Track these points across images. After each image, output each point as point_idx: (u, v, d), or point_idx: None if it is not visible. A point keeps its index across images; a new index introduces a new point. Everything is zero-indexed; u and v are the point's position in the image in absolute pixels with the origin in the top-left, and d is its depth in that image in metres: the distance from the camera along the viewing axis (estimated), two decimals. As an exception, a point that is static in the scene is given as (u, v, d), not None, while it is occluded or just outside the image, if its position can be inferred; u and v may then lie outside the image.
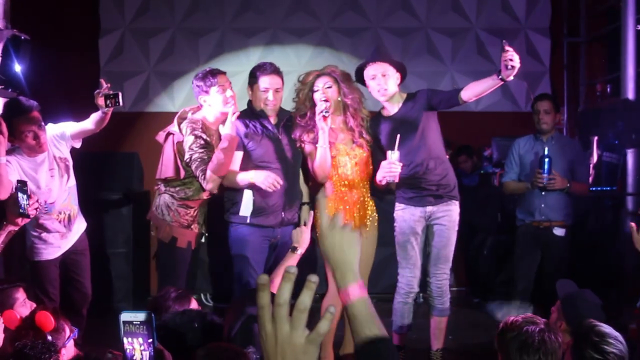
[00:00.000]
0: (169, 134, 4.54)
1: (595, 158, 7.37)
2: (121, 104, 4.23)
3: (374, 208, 4.61)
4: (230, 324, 2.53)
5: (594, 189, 6.63)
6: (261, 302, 1.29)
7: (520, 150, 5.35)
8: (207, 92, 4.40)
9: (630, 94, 5.96)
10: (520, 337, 2.46)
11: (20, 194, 3.55)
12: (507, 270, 5.97)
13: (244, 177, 4.33)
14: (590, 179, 7.24)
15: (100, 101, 4.21)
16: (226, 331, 2.53)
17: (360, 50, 7.18)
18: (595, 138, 7.29)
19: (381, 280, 5.73)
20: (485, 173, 7.21)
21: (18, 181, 3.70)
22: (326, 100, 4.31)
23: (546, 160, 4.95)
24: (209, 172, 4.30)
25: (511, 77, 4.00)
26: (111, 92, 4.21)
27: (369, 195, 4.59)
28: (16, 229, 3.71)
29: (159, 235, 4.59)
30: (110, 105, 4.20)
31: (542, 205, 5.19)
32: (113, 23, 7.61)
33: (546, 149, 5.01)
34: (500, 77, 4.02)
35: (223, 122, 4.38)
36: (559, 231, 5.16)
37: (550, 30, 7.83)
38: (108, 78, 4.31)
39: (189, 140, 4.38)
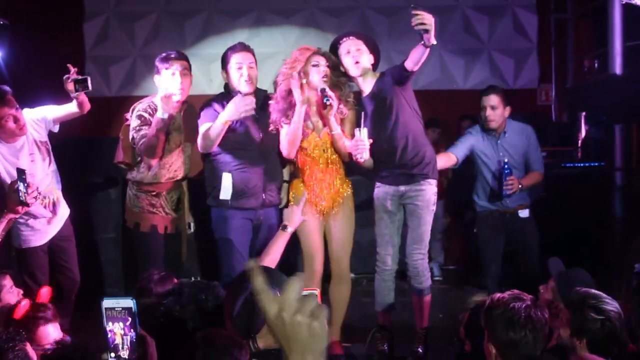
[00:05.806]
0: (126, 119, 4.55)
1: (583, 134, 7.39)
2: (90, 88, 4.18)
3: (349, 186, 4.54)
4: (232, 302, 2.50)
5: (581, 164, 6.64)
6: (257, 288, 1.23)
7: (475, 146, 5.06)
8: (159, 73, 4.38)
9: (618, 69, 5.96)
10: (506, 313, 2.44)
11: (20, 182, 3.55)
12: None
13: (218, 123, 4.14)
14: (579, 155, 7.28)
15: (70, 86, 4.19)
16: (228, 309, 2.50)
17: (347, 30, 7.14)
18: (583, 114, 7.31)
19: (371, 260, 5.72)
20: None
21: (17, 169, 3.70)
22: (326, 77, 4.26)
23: (506, 172, 4.82)
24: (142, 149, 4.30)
25: (433, 41, 3.84)
26: (79, 76, 4.19)
27: (344, 174, 4.53)
28: (16, 216, 3.71)
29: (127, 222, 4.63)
30: (80, 89, 4.18)
31: (508, 201, 5.05)
32: (97, 7, 7.55)
33: (505, 160, 4.85)
34: (422, 43, 3.88)
35: (176, 107, 4.36)
36: (523, 213, 5.09)
37: (537, 6, 7.81)
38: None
39: (133, 122, 4.40)
